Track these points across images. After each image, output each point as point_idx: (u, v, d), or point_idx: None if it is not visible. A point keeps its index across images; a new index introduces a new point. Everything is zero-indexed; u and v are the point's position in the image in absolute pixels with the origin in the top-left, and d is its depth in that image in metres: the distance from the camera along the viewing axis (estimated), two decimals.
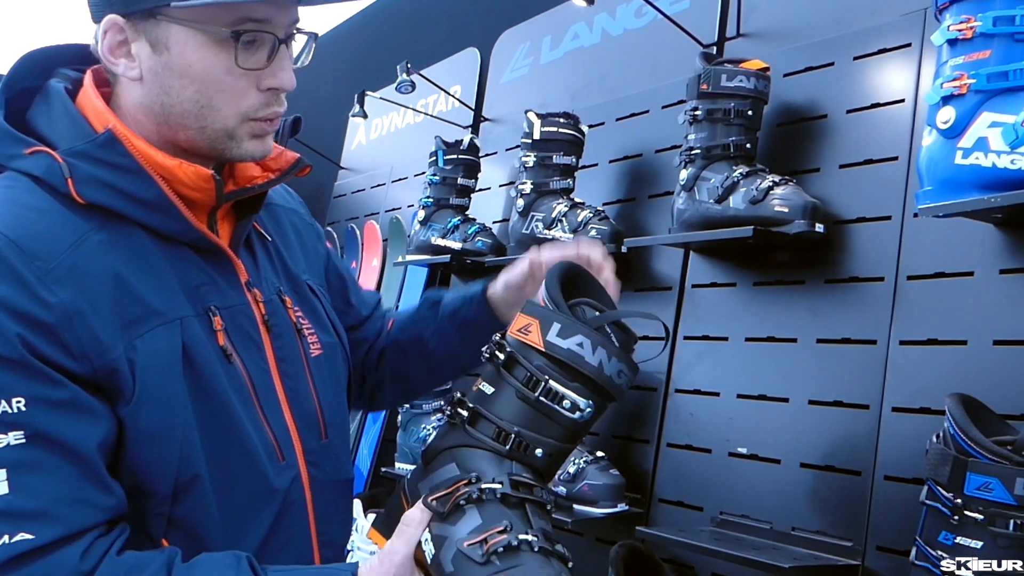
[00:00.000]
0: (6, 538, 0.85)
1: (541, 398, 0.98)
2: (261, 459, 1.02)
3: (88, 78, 1.04)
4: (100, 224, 0.96)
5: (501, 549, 0.91)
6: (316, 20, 4.56)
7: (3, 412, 0.86)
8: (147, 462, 0.94)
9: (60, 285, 0.90)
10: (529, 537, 0.93)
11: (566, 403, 0.98)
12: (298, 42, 1.05)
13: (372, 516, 2.55)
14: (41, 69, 1.04)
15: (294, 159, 1.13)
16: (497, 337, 1.02)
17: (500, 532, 0.92)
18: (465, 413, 1.01)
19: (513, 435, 0.98)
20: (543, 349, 0.98)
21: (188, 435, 0.96)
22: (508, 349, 1.00)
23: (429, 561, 0.96)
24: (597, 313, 1.06)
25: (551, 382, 0.97)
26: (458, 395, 1.03)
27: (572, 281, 1.10)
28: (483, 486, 0.96)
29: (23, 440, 0.87)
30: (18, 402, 0.87)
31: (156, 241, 1.00)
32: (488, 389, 1.01)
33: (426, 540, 0.97)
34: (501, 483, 0.97)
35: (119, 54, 0.99)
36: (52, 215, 0.94)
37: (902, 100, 1.70)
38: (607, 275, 1.19)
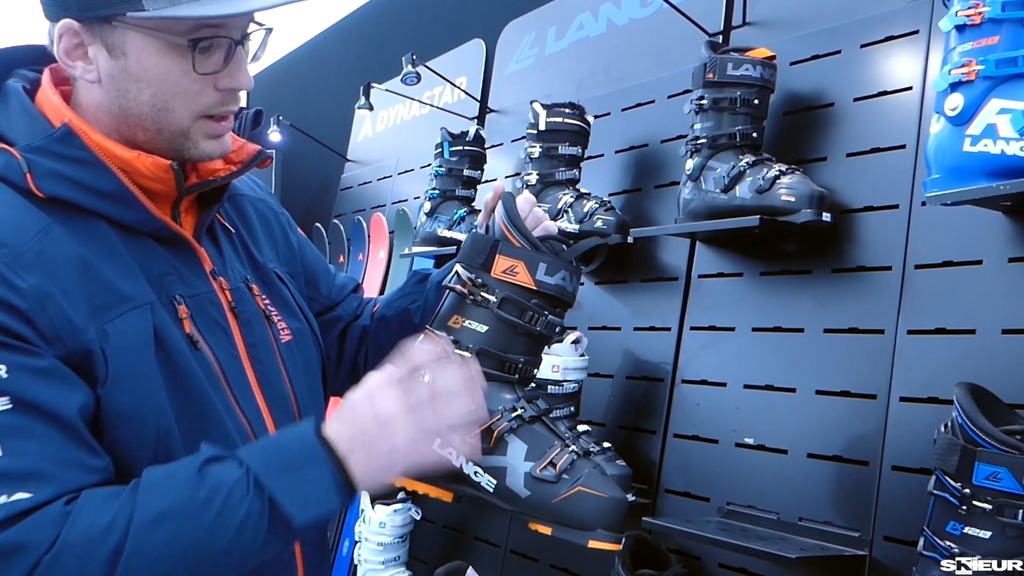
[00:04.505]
0: (4, 498, 0.86)
1: (543, 331, 1.13)
2: (235, 442, 1.03)
3: (46, 76, 1.05)
4: (62, 218, 0.97)
5: (568, 467, 1.09)
6: (319, 14, 4.56)
7: None
8: (125, 443, 0.96)
9: (29, 271, 0.91)
10: (575, 448, 1.11)
11: (557, 328, 1.14)
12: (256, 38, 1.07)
13: (379, 507, 2.56)
14: None
15: (255, 151, 1.15)
16: (470, 276, 1.13)
17: (559, 453, 1.10)
18: (468, 354, 1.11)
19: (520, 364, 1.14)
20: (535, 288, 1.12)
21: (163, 417, 0.98)
22: (495, 290, 1.12)
23: (492, 491, 1.10)
24: (563, 247, 1.20)
25: (549, 316, 1.13)
26: (449, 338, 1.13)
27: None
28: (514, 416, 1.12)
29: (9, 406, 0.88)
30: (0, 370, 0.88)
31: (119, 232, 1.01)
32: (480, 327, 1.13)
33: (477, 473, 1.11)
34: (524, 409, 1.13)
35: (75, 56, 1.00)
36: (16, 207, 0.96)
37: (910, 88, 1.69)
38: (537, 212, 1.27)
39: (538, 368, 1.18)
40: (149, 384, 0.97)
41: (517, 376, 1.14)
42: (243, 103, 1.10)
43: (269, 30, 1.07)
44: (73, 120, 0.99)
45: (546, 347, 1.18)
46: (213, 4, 0.95)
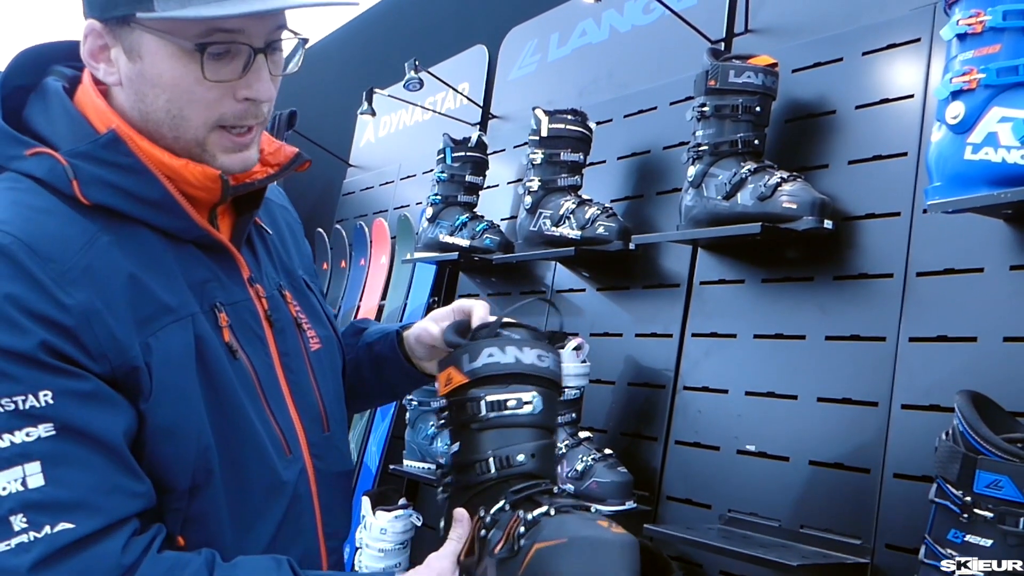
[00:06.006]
0: (47, 528, 0.85)
1: (490, 415, 1.03)
2: (270, 453, 1.03)
3: (87, 76, 1.02)
4: (105, 225, 0.96)
5: (522, 530, 0.94)
6: (322, 20, 4.57)
7: (31, 406, 0.87)
8: (165, 458, 0.95)
9: (76, 287, 0.90)
10: (543, 509, 0.96)
11: (512, 403, 1.03)
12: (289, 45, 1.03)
13: (381, 513, 2.56)
14: (35, 67, 1.04)
15: (293, 154, 1.13)
16: (437, 407, 1.08)
17: (515, 521, 0.96)
18: (450, 478, 1.07)
19: (489, 459, 1.03)
20: (468, 380, 1.04)
21: (203, 432, 0.97)
22: (444, 406, 1.07)
23: None
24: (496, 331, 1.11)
25: (488, 396, 1.03)
26: (439, 473, 1.10)
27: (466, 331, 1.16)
28: (492, 513, 1.00)
29: (53, 432, 0.87)
30: (45, 395, 0.87)
31: (161, 239, 0.99)
32: (455, 447, 1.07)
33: None
34: (499, 502, 1.01)
35: (100, 58, 0.98)
36: (60, 217, 0.94)
37: (911, 95, 1.69)
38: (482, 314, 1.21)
39: (530, 457, 1.04)
40: (191, 398, 0.96)
41: (495, 473, 1.02)
42: (265, 114, 1.03)
43: (303, 40, 1.04)
44: (121, 126, 0.97)
45: (518, 429, 1.05)
46: (218, 5, 0.91)
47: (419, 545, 2.65)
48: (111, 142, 0.96)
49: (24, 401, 0.86)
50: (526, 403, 1.04)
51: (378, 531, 2.54)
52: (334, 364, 1.21)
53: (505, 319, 1.12)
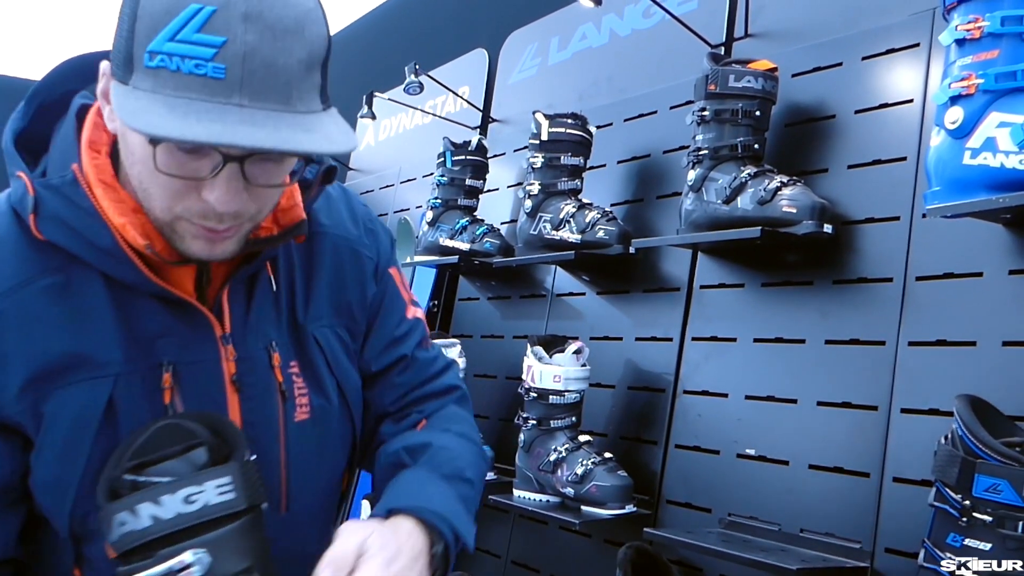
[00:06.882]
0: None
1: None
2: None
3: (96, 105, 0.96)
4: (61, 264, 0.93)
5: None
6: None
7: None
8: (45, 508, 0.95)
9: None
10: None
11: (176, 564, 0.84)
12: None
13: None
14: (87, 72, 0.98)
15: (296, 221, 1.03)
16: None
17: None
18: None
19: None
20: (116, 554, 0.85)
21: (85, 495, 0.92)
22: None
23: None
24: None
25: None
26: None
27: None
28: None
29: None
30: None
31: (115, 289, 0.94)
32: None
33: None
34: None
35: (109, 99, 0.91)
36: (6, 252, 0.92)
37: (910, 100, 1.69)
38: None
39: None
40: (76, 459, 0.92)
41: None
42: (231, 221, 0.91)
43: (302, 158, 0.95)
44: (85, 166, 0.93)
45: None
46: (175, 120, 0.79)
47: None
48: (73, 181, 0.92)
49: None
50: (183, 569, 0.83)
51: None
52: (324, 436, 1.09)
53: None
